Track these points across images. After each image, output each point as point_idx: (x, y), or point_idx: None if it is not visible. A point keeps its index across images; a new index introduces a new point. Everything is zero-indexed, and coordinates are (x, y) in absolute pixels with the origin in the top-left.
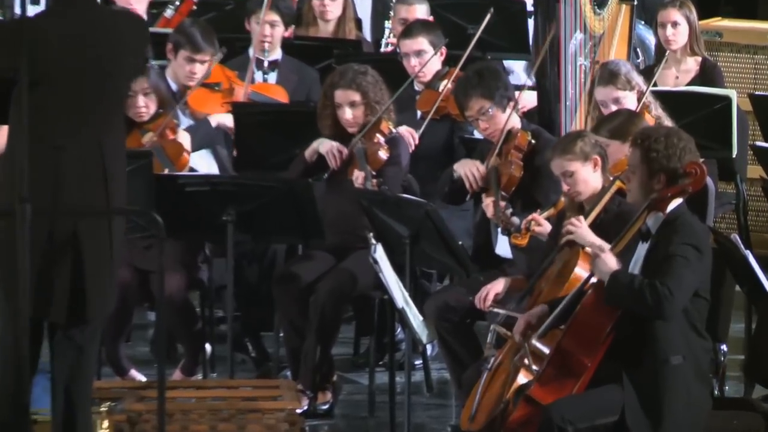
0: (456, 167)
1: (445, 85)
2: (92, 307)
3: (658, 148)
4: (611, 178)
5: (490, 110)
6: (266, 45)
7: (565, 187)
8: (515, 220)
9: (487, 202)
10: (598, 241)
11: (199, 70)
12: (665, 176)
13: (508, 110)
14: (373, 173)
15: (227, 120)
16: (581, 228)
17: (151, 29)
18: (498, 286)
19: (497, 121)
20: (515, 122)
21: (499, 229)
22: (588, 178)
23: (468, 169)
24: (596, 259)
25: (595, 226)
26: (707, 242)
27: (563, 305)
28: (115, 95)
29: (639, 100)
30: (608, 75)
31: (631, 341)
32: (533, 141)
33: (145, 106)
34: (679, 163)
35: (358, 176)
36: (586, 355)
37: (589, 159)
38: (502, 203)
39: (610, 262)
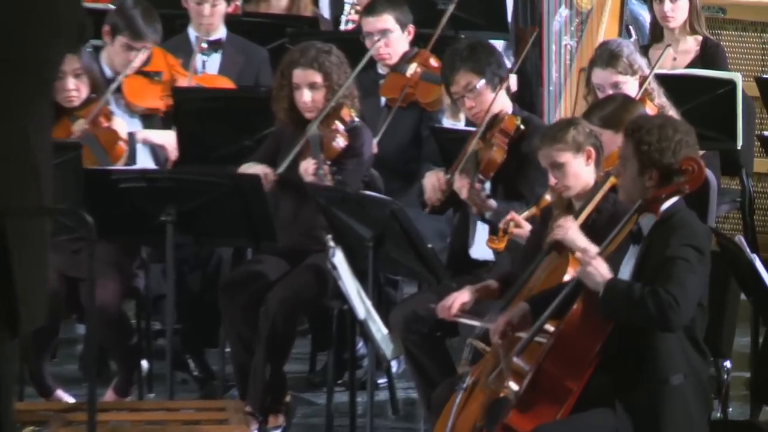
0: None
1: (414, 69)
2: (25, 320)
3: (650, 140)
4: (603, 173)
5: (478, 87)
6: (204, 27)
7: (552, 181)
8: (492, 203)
9: (462, 183)
10: (591, 246)
11: (139, 58)
12: (657, 173)
13: (499, 91)
14: (328, 162)
15: (156, 136)
16: (571, 229)
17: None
18: (464, 294)
19: (484, 99)
20: (506, 106)
21: (473, 211)
22: (579, 171)
23: (428, 181)
24: (586, 268)
25: (586, 228)
26: (708, 244)
27: (547, 315)
28: (44, 78)
29: (641, 86)
30: (608, 56)
31: (623, 358)
32: (522, 126)
33: (76, 89)
34: (674, 159)
35: (307, 166)
36: (571, 379)
37: (581, 150)
38: (478, 185)
39: (602, 269)
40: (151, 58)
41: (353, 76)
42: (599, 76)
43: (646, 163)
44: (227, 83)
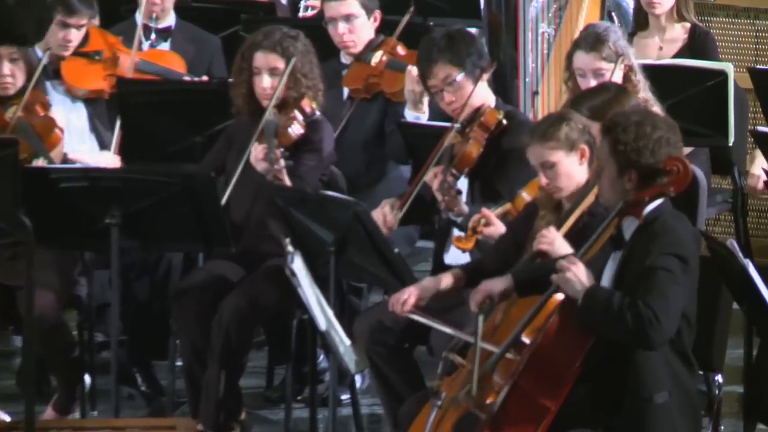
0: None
1: (379, 58)
2: None
3: (626, 139)
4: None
5: (458, 80)
6: (155, 13)
7: (543, 181)
8: (462, 199)
9: (435, 172)
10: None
11: (75, 36)
12: (637, 174)
13: (479, 82)
14: (280, 148)
15: (90, 159)
16: (556, 241)
17: None
18: (421, 289)
19: (465, 93)
20: (487, 99)
21: (441, 206)
22: (572, 171)
23: (377, 214)
24: (565, 273)
25: (576, 231)
26: (694, 250)
27: (521, 326)
28: None
29: (625, 77)
30: (593, 40)
31: (604, 374)
32: (504, 121)
33: (11, 75)
34: (653, 158)
35: (257, 152)
36: (549, 396)
37: (575, 148)
38: (450, 179)
39: (582, 276)
40: (89, 38)
41: (292, 65)
42: (581, 59)
43: (623, 163)
44: (177, 59)
